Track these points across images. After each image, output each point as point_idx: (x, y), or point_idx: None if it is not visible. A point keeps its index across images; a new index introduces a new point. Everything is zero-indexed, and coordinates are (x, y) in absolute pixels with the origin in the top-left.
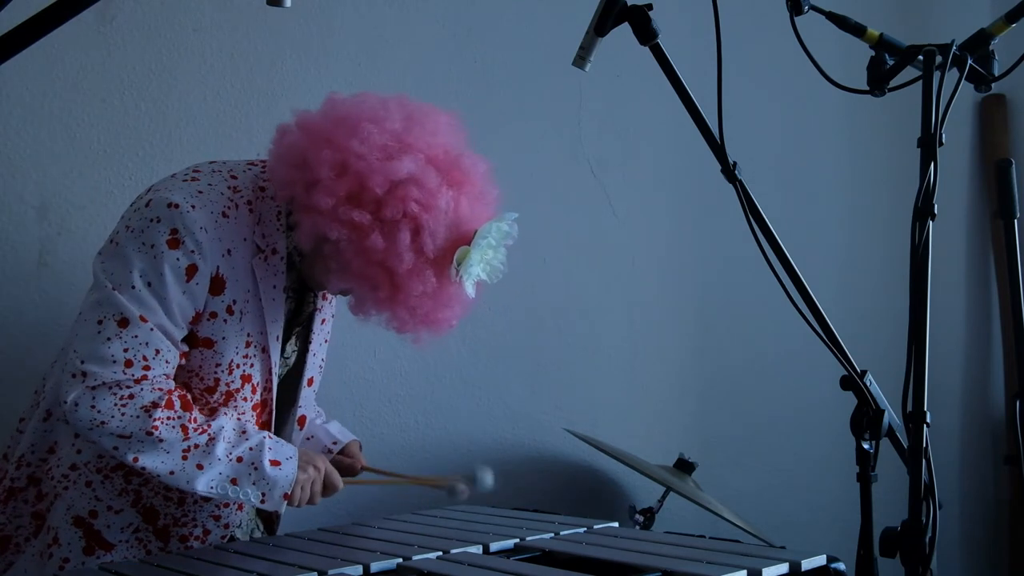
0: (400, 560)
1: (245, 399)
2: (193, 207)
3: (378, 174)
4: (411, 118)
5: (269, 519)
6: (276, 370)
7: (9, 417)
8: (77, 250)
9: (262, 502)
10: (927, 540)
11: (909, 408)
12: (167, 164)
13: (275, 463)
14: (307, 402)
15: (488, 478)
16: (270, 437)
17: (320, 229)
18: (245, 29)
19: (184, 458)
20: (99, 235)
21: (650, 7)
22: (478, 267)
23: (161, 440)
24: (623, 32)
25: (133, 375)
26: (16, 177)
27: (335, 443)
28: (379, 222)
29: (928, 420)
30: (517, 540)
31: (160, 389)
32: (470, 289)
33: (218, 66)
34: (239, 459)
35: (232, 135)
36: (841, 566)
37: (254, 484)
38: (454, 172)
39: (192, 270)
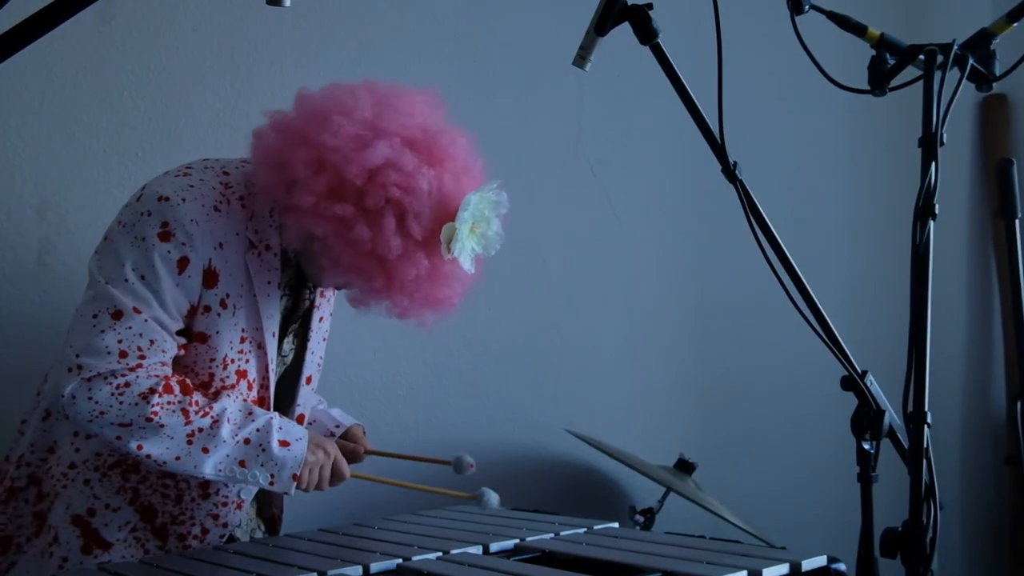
0: (400, 560)
1: (242, 396)
2: (184, 199)
3: (354, 164)
4: (382, 103)
5: (271, 520)
6: (273, 367)
7: (8, 417)
8: (76, 250)
9: (271, 483)
10: (928, 541)
11: (910, 408)
12: (166, 164)
13: (284, 444)
14: (306, 400)
15: (494, 499)
16: (278, 417)
17: (306, 227)
18: (245, 29)
19: (189, 442)
20: (98, 235)
21: (650, 7)
22: (469, 241)
23: (162, 425)
24: (623, 32)
25: (128, 364)
26: (15, 177)
27: (337, 426)
28: (363, 212)
29: (929, 420)
30: (517, 540)
31: (156, 376)
32: (467, 265)
33: (218, 66)
34: (246, 440)
35: (231, 135)
36: (842, 567)
37: (262, 465)
38: (433, 150)
39: (184, 263)
